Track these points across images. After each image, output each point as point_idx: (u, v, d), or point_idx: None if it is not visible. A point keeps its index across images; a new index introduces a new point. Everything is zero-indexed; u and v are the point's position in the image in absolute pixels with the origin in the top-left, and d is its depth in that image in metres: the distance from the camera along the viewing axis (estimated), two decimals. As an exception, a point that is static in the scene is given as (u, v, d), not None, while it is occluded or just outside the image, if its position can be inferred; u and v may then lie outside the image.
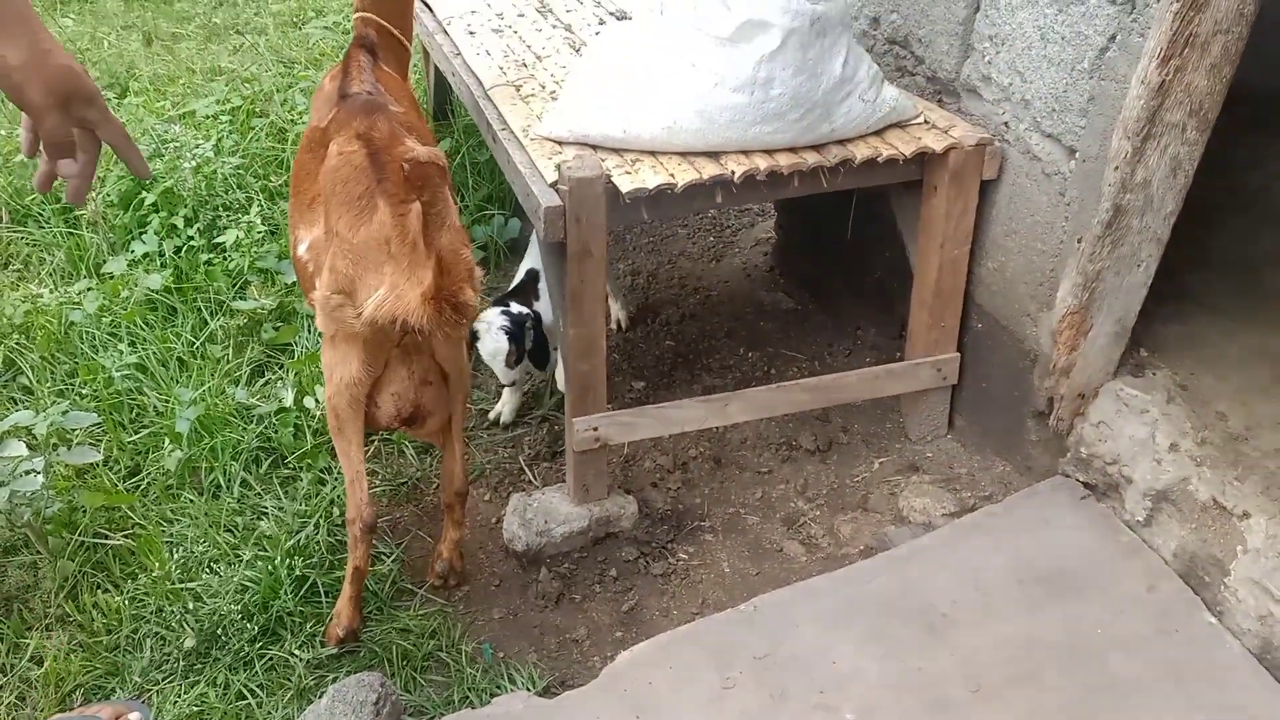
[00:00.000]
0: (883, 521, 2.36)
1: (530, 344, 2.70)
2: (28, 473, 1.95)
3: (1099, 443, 2.09)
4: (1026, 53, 2.12)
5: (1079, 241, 2.00)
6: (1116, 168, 1.87)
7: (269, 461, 2.52)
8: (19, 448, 1.96)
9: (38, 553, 2.17)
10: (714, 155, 2.17)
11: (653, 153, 2.19)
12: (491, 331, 2.65)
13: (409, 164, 1.70)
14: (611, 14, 3.13)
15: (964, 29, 2.31)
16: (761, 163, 2.13)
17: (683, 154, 2.18)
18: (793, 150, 2.19)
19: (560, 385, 2.84)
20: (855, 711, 1.80)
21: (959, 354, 2.47)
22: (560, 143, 2.25)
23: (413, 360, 1.97)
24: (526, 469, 2.66)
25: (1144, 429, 2.02)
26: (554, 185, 2.08)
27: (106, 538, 2.22)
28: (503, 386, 2.81)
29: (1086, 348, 2.06)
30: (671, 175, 2.10)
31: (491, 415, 2.82)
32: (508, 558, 2.39)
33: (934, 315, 2.42)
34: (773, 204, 3.67)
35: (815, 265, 3.30)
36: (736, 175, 2.11)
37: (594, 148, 2.21)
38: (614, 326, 3.13)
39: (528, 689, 2.01)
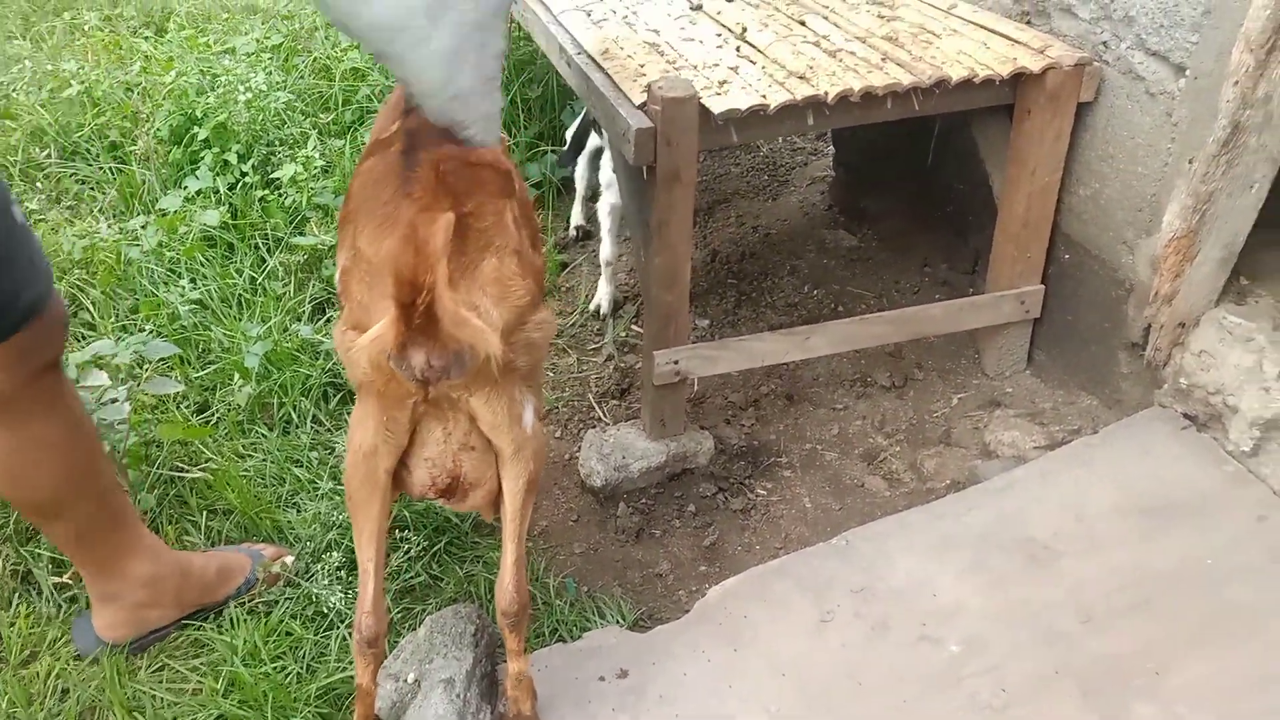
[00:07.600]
0: (968, 456, 2.31)
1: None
2: (111, 401, 1.91)
3: (1200, 372, 2.03)
4: (1133, -34, 2.02)
5: (1190, 162, 1.92)
6: (1236, 82, 1.79)
7: (338, 397, 2.49)
8: (101, 377, 1.92)
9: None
10: (804, 76, 2.09)
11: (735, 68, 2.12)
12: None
13: (449, 163, 1.33)
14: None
15: (1059, -55, 2.22)
16: (855, 84, 2.05)
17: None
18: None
19: (603, 297, 2.92)
20: (961, 642, 1.77)
21: (1043, 286, 2.41)
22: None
23: (449, 418, 1.51)
24: (596, 406, 2.62)
25: (1250, 357, 1.96)
26: (642, 107, 2.01)
27: (183, 471, 2.19)
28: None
29: (1192, 274, 2.00)
30: (763, 96, 2.02)
31: (591, 307, 2.94)
32: (583, 493, 2.36)
33: (1019, 246, 2.35)
34: (830, 140, 3.58)
35: (877, 202, 3.23)
36: (830, 96, 2.03)
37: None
38: (594, 308, 2.96)
39: (618, 623, 1.99)
